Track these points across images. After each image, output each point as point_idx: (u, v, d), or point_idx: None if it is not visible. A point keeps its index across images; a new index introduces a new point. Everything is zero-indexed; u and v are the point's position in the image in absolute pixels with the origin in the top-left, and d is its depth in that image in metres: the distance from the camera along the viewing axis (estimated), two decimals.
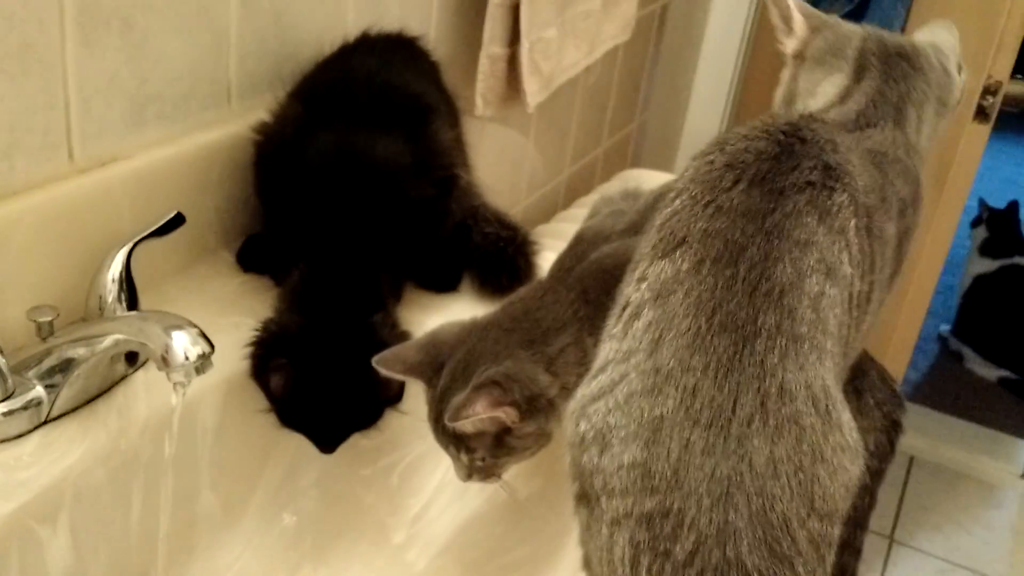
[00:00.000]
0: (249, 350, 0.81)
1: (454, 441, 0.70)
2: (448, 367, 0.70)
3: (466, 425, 0.67)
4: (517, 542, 0.83)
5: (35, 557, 0.68)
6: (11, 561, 0.66)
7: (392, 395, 0.81)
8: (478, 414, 0.66)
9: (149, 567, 0.77)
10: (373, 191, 0.86)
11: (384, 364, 0.72)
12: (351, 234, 0.85)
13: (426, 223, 0.91)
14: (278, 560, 0.84)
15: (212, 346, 0.69)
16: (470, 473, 0.72)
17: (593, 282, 0.72)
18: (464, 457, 0.71)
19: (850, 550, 0.83)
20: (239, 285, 0.95)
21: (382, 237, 0.86)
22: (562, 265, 0.75)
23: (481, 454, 0.71)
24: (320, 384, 0.78)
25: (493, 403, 0.67)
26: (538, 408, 0.69)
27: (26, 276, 0.77)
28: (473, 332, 0.71)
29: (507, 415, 0.67)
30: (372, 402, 0.80)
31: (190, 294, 0.91)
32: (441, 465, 0.87)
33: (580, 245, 0.75)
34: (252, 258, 0.97)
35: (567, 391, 0.71)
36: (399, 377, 0.73)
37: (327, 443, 0.81)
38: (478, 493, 0.86)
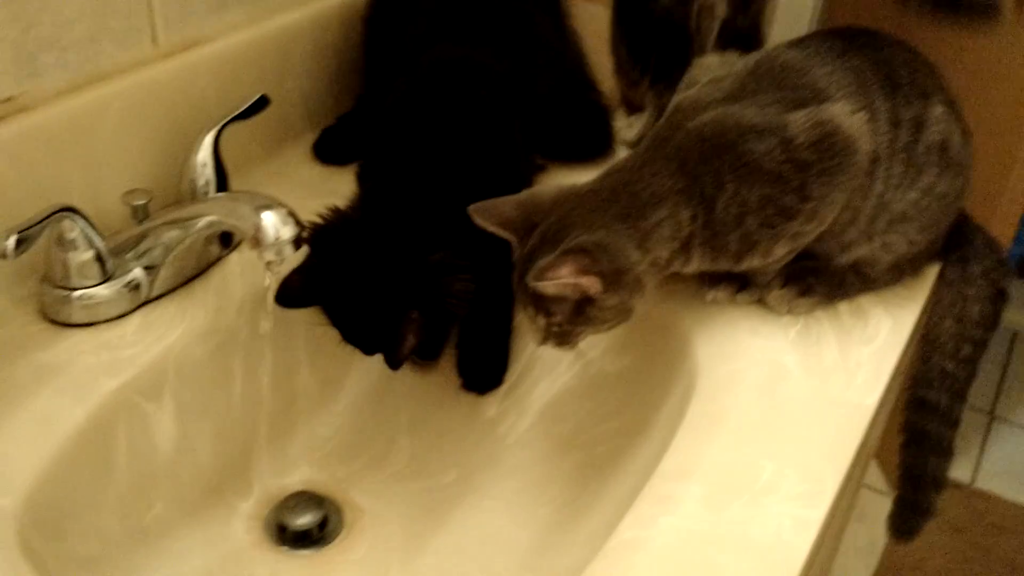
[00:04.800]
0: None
1: (534, 302, 0.70)
2: (540, 228, 0.69)
3: (548, 287, 0.67)
4: (605, 416, 0.84)
5: (142, 430, 0.72)
6: (119, 433, 0.70)
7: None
8: (562, 278, 0.66)
9: (252, 440, 0.80)
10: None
11: (479, 214, 0.71)
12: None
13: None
14: (375, 433, 0.86)
15: (302, 225, 0.69)
16: (545, 337, 0.72)
17: (692, 152, 0.70)
18: (541, 320, 0.71)
19: (947, 420, 0.81)
20: (325, 167, 0.95)
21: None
22: (659, 136, 0.72)
23: (559, 319, 0.70)
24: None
25: (579, 270, 0.66)
26: (624, 282, 0.68)
27: (119, 161, 0.79)
28: (571, 198, 0.70)
29: (590, 284, 0.67)
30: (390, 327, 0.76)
31: (278, 177, 0.92)
32: (528, 345, 0.87)
33: (677, 115, 0.73)
34: (329, 149, 0.97)
35: (656, 267, 0.70)
36: (491, 229, 0.72)
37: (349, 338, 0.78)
38: (568, 368, 0.86)
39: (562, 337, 0.71)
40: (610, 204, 0.69)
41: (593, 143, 1.00)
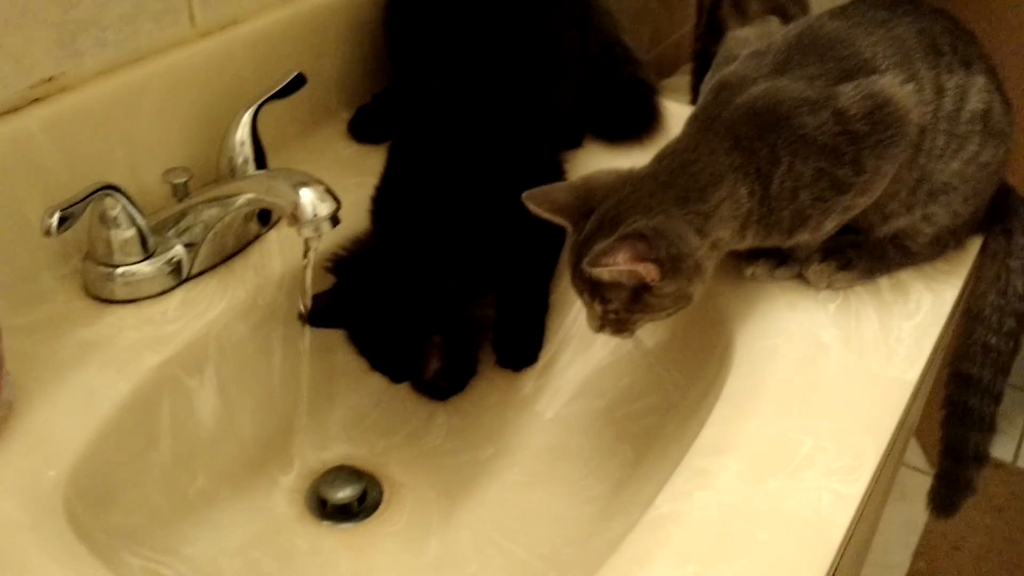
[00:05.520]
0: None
1: (590, 288, 0.70)
2: (597, 213, 0.69)
3: (603, 273, 0.67)
4: (642, 392, 0.84)
5: (185, 404, 0.73)
6: (163, 408, 0.71)
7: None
8: (618, 264, 0.65)
9: (292, 414, 0.81)
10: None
11: (533, 201, 0.71)
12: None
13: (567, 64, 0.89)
14: (413, 409, 0.86)
15: (339, 202, 0.70)
16: (602, 324, 0.72)
17: (746, 127, 0.69)
18: (598, 307, 0.70)
19: (989, 395, 0.80)
20: (360, 146, 0.95)
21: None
22: (708, 114, 0.71)
23: (615, 306, 0.70)
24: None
25: (636, 256, 0.65)
26: (682, 269, 0.67)
27: (159, 140, 0.79)
28: (628, 182, 0.70)
29: (647, 271, 0.66)
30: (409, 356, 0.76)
31: (315, 155, 0.92)
32: (568, 316, 0.87)
33: (724, 92, 0.71)
34: (364, 127, 0.97)
35: (716, 250, 0.70)
36: (545, 216, 0.71)
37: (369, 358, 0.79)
38: (604, 344, 0.86)
39: (619, 324, 0.71)
40: (668, 188, 0.68)
41: (639, 120, 0.99)
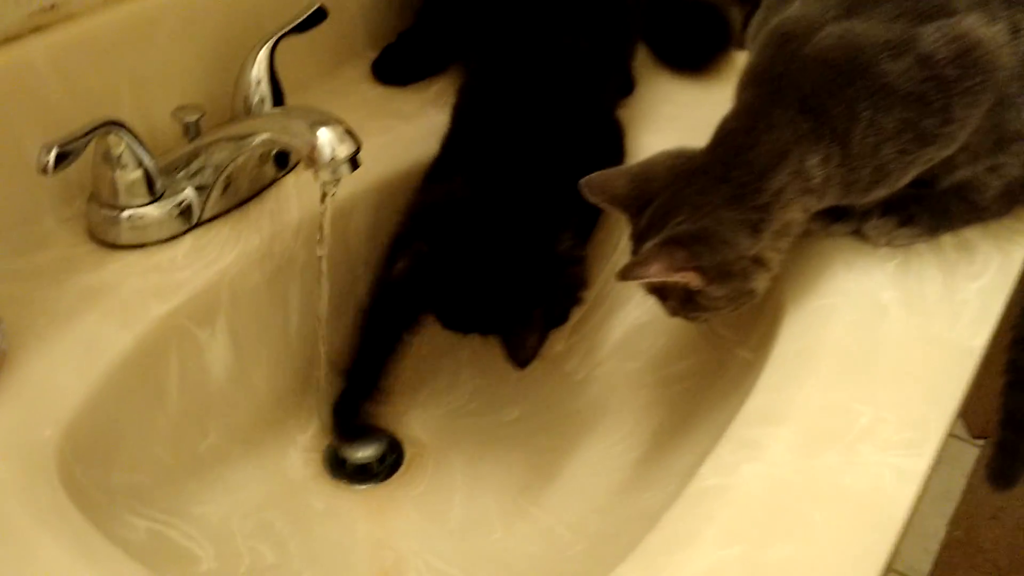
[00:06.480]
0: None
1: (646, 285, 0.67)
2: (650, 209, 0.65)
3: (640, 283, 0.63)
4: (681, 354, 0.79)
5: (195, 358, 0.69)
6: (170, 360, 0.67)
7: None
8: (651, 276, 0.62)
9: (309, 370, 0.77)
10: None
11: (590, 189, 0.67)
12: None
13: None
14: (437, 367, 0.83)
15: (359, 143, 0.65)
16: (672, 314, 0.68)
17: (815, 84, 0.63)
18: (658, 300, 0.67)
19: None
20: (386, 88, 0.90)
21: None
22: (770, 72, 0.65)
23: (672, 304, 0.67)
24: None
25: (672, 267, 0.61)
26: (732, 272, 0.63)
27: (171, 76, 0.75)
28: (682, 174, 0.65)
29: (688, 279, 0.62)
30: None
31: (336, 96, 0.87)
32: (605, 270, 0.82)
33: (788, 44, 0.65)
34: (390, 68, 0.92)
35: (785, 236, 0.65)
36: (602, 206, 0.67)
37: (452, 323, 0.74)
38: (640, 302, 0.81)
39: (685, 317, 0.68)
40: (720, 184, 0.63)
41: (708, 43, 0.94)
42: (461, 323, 0.72)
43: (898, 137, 0.64)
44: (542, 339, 0.70)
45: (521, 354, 0.69)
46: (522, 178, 0.72)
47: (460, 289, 0.69)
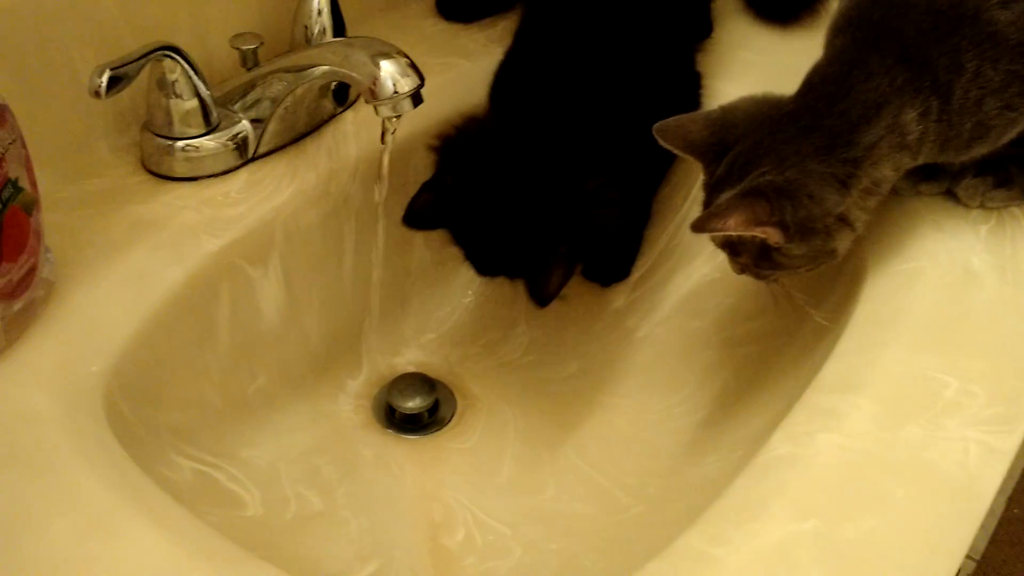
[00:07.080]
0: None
1: (717, 239, 0.63)
2: (729, 156, 0.60)
3: (715, 236, 0.59)
4: (750, 315, 0.75)
5: (246, 295, 0.67)
6: (221, 298, 0.65)
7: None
8: (728, 230, 0.58)
9: (362, 315, 0.75)
10: None
11: (663, 135, 0.63)
12: None
13: None
14: (492, 318, 0.80)
15: (422, 78, 0.62)
16: (740, 271, 0.65)
17: (917, 32, 0.58)
18: (729, 256, 0.63)
19: None
20: (449, 24, 0.87)
21: None
22: (868, 17, 0.60)
23: (745, 260, 0.63)
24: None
25: (752, 220, 0.57)
26: (815, 230, 0.59)
27: (230, 2, 0.72)
28: (766, 121, 0.60)
29: (769, 234, 0.58)
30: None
31: (399, 31, 0.84)
32: (667, 231, 0.79)
33: None
34: (454, 4, 0.88)
35: (874, 194, 0.60)
36: (677, 152, 0.63)
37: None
38: (708, 259, 0.78)
39: (755, 275, 0.64)
40: (809, 133, 0.59)
41: None
42: (484, 262, 0.69)
43: (1004, 91, 0.59)
44: (566, 278, 0.66)
45: (543, 291, 0.65)
46: (566, 118, 0.69)
47: (481, 223, 0.67)
